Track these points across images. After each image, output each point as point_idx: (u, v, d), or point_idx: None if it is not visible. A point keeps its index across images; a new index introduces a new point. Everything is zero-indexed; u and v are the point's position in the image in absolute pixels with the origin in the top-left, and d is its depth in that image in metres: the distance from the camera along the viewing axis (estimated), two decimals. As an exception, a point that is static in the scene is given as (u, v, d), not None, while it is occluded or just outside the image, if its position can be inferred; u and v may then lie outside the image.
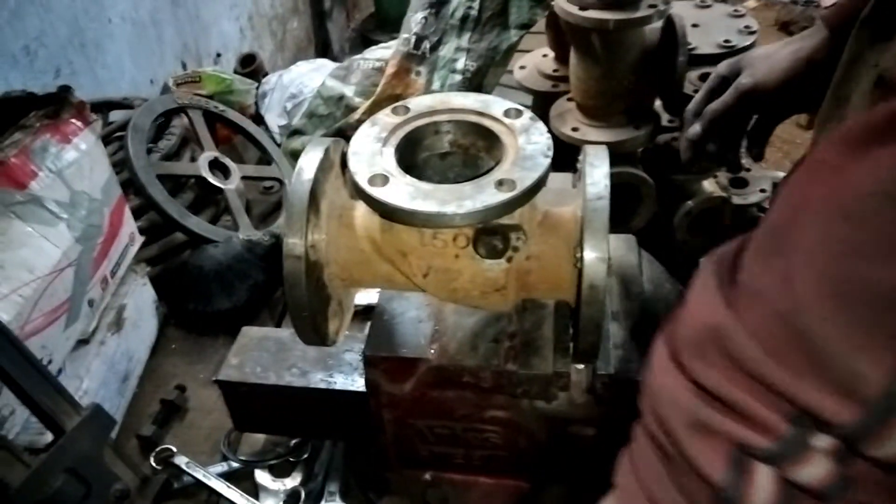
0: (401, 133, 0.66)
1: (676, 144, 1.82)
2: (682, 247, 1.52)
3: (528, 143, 0.63)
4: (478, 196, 0.58)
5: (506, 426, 0.78)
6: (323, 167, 0.65)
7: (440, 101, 0.69)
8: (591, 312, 0.60)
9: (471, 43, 1.92)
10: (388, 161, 0.63)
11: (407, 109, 0.68)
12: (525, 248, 0.64)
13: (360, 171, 0.61)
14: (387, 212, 0.60)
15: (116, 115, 1.47)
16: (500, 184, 0.59)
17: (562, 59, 1.87)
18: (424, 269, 0.65)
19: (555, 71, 1.90)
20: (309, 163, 0.65)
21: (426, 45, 1.90)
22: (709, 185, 1.54)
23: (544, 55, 1.97)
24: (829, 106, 0.76)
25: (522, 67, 1.95)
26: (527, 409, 0.76)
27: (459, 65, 1.90)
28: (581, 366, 0.70)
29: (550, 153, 0.62)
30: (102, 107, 1.40)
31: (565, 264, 0.65)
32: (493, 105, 0.67)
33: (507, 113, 0.66)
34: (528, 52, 1.98)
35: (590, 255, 0.58)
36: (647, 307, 0.75)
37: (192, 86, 1.92)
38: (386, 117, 0.67)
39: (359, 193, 0.61)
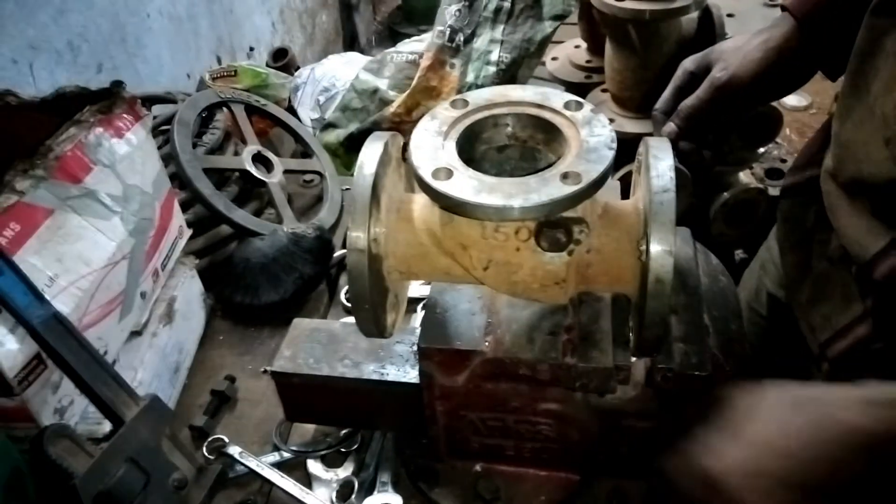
0: (460, 126, 0.67)
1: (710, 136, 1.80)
2: (718, 238, 1.51)
3: (591, 135, 0.62)
4: (543, 189, 0.58)
5: (559, 419, 0.78)
6: (383, 161, 0.66)
7: (499, 93, 0.69)
8: (657, 306, 0.59)
9: (505, 35, 1.91)
10: (449, 154, 0.63)
11: (466, 103, 0.68)
12: (587, 241, 0.64)
13: (424, 164, 0.62)
14: (452, 205, 0.60)
15: (157, 110, 1.49)
16: (565, 177, 0.59)
17: (595, 50, 1.86)
18: (485, 262, 0.66)
19: (588, 62, 1.88)
20: (370, 157, 0.65)
21: (460, 37, 1.90)
22: (745, 177, 1.52)
23: (576, 46, 1.96)
24: (850, 94, 0.74)
25: (555, 59, 1.94)
26: (580, 402, 0.76)
27: (493, 56, 1.89)
28: (638, 359, 0.70)
29: (614, 145, 0.61)
30: (146, 101, 1.42)
31: (627, 257, 0.65)
32: (553, 97, 0.67)
33: (567, 105, 0.66)
34: (560, 42, 1.96)
35: (656, 248, 0.58)
36: (704, 300, 0.74)
37: (227, 80, 1.94)
38: (445, 111, 0.68)
39: (423, 187, 0.61)
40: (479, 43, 1.93)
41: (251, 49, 2.38)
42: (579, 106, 0.65)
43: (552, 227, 0.62)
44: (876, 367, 0.75)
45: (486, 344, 0.74)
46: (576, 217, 0.62)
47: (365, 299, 0.65)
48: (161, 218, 1.05)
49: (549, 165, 0.64)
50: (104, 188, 0.95)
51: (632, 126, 1.66)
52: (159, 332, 1.04)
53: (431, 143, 0.64)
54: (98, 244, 0.93)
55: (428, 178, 0.60)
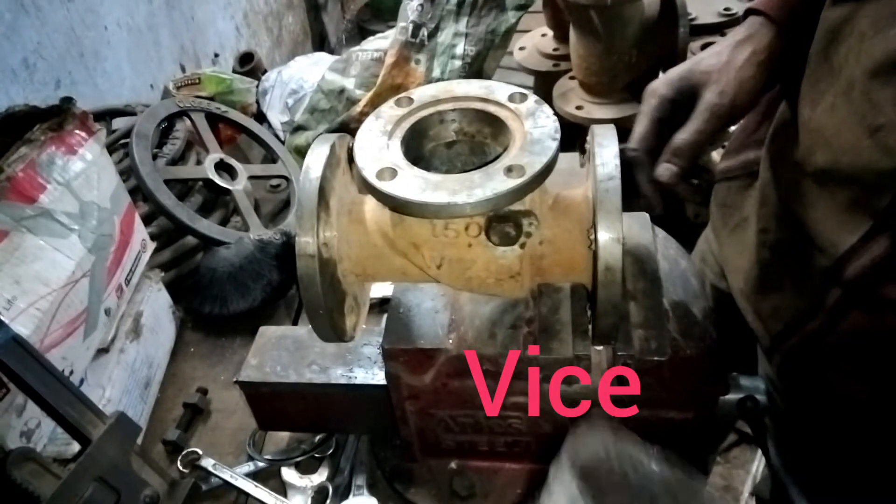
0: (406, 125, 0.66)
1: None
2: (694, 220, 1.51)
3: (535, 126, 0.62)
4: (487, 184, 0.57)
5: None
6: (330, 163, 0.65)
7: (443, 89, 0.68)
8: (608, 294, 0.59)
9: (469, 27, 1.90)
10: (395, 154, 0.63)
11: (410, 101, 0.68)
12: (538, 233, 0.64)
13: (368, 165, 0.61)
14: (397, 205, 0.59)
15: (119, 123, 1.47)
16: (509, 170, 0.58)
17: (561, 37, 1.86)
18: (438, 260, 0.65)
19: (555, 50, 1.88)
20: (315, 160, 0.64)
21: (424, 32, 1.88)
22: (717, 156, 1.53)
23: (543, 35, 1.95)
24: (818, 79, 0.71)
25: (522, 48, 1.94)
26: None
27: (459, 50, 1.88)
28: (601, 347, 0.70)
29: (558, 136, 0.61)
30: (105, 115, 1.40)
31: (579, 247, 0.64)
32: (497, 90, 0.67)
33: (511, 98, 0.66)
34: (527, 32, 1.96)
35: (604, 236, 0.58)
36: (664, 285, 0.74)
37: (192, 88, 1.92)
38: (390, 110, 0.67)
39: (368, 188, 0.61)
40: (444, 37, 1.91)
41: (216, 55, 2.35)
42: (523, 98, 0.65)
43: (501, 221, 0.61)
44: (827, 362, 0.72)
45: (450, 341, 0.74)
46: (524, 210, 0.62)
47: (319, 305, 0.64)
48: (121, 233, 1.04)
49: (498, 158, 0.64)
50: (60, 206, 0.94)
51: (600, 112, 1.66)
52: (127, 347, 1.02)
53: (376, 143, 0.63)
54: (56, 263, 0.92)
55: (372, 179, 0.60)
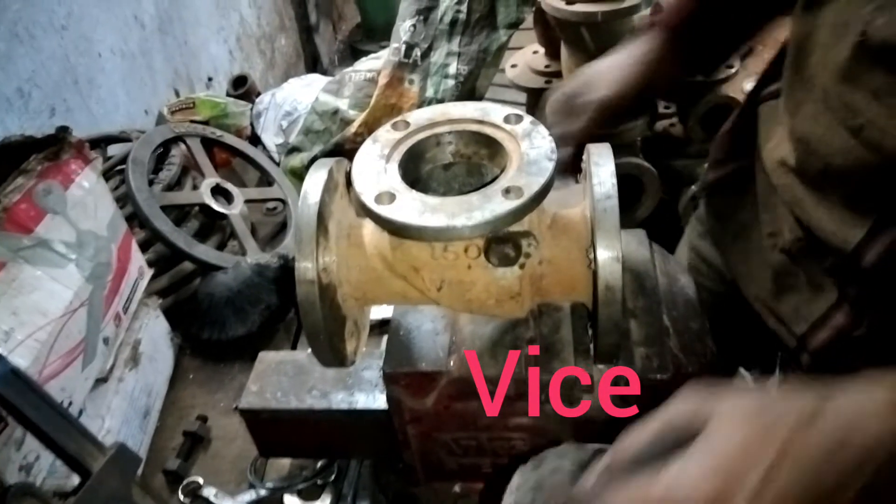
0: (402, 148, 0.66)
1: (675, 131, 1.81)
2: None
3: (531, 147, 0.62)
4: (486, 206, 0.57)
5: (531, 432, 0.77)
6: (328, 188, 0.65)
7: (439, 112, 0.68)
8: (610, 313, 0.59)
9: (461, 46, 1.92)
10: (392, 177, 0.63)
11: (407, 124, 0.68)
12: (537, 253, 0.64)
13: (366, 189, 0.61)
14: (396, 229, 0.59)
15: (115, 150, 1.48)
16: (507, 192, 0.58)
17: (552, 54, 1.87)
18: (438, 283, 0.65)
19: (546, 67, 1.89)
20: (314, 185, 0.64)
21: (417, 52, 1.90)
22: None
23: (535, 52, 1.97)
24: (795, 88, 0.75)
25: (514, 66, 1.95)
26: (551, 414, 0.75)
27: (452, 69, 1.90)
28: (602, 366, 0.70)
29: (554, 156, 0.61)
30: (100, 142, 1.41)
31: (578, 266, 0.64)
32: (493, 112, 0.67)
33: (507, 119, 0.66)
34: (518, 49, 1.97)
35: (603, 255, 0.58)
36: (663, 301, 0.74)
37: (186, 112, 1.93)
38: (386, 133, 0.67)
39: (367, 213, 0.61)
40: (437, 57, 1.93)
41: (210, 79, 2.37)
42: (519, 119, 0.65)
43: (500, 242, 0.61)
44: (857, 355, 0.73)
45: (451, 363, 0.73)
46: (523, 231, 0.62)
47: (319, 330, 0.64)
48: (119, 260, 1.04)
49: (495, 179, 0.64)
50: (57, 236, 0.94)
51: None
52: (126, 376, 1.02)
53: (374, 167, 0.63)
54: (54, 293, 0.92)
55: (371, 203, 0.60)
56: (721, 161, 0.96)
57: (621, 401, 0.71)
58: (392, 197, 0.60)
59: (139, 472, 0.96)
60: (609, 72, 0.88)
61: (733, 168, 0.92)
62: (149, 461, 1.01)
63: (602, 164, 0.62)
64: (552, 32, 1.80)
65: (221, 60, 2.47)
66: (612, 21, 1.49)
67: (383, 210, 0.59)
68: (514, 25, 1.91)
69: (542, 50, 1.96)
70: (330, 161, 0.68)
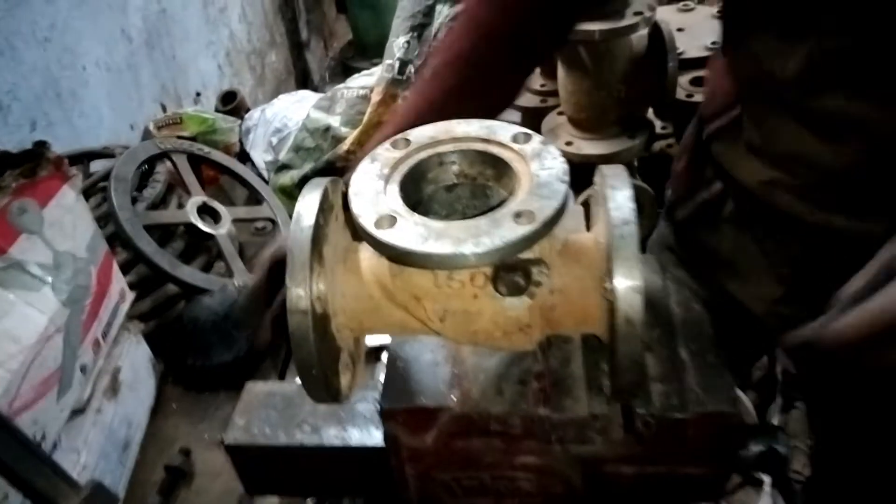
0: (403, 168, 0.62)
1: (672, 151, 1.79)
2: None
3: (542, 168, 0.58)
4: (495, 232, 0.53)
5: (538, 472, 0.72)
6: (323, 209, 0.60)
7: (442, 129, 0.64)
8: (629, 349, 0.55)
9: (455, 63, 1.89)
10: (393, 200, 0.58)
11: (408, 142, 0.63)
12: (548, 282, 0.59)
13: (365, 213, 0.57)
14: (397, 255, 0.55)
15: (97, 166, 1.42)
16: (517, 216, 0.54)
17: (548, 73, 1.85)
18: (441, 313, 0.60)
19: (542, 86, 1.87)
20: (308, 206, 0.60)
21: (411, 69, 1.86)
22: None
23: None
24: (752, 105, 0.81)
25: (510, 84, 1.91)
26: (559, 453, 0.71)
27: (446, 86, 1.86)
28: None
29: (567, 178, 0.57)
30: (82, 158, 1.35)
31: (592, 295, 0.60)
32: (500, 130, 0.63)
33: (515, 138, 0.62)
34: (514, 67, 1.94)
35: (622, 285, 0.53)
36: (679, 332, 0.70)
37: (173, 128, 1.88)
38: (386, 152, 0.63)
39: (365, 237, 0.56)
40: (430, 73, 1.90)
41: (198, 94, 2.32)
42: (528, 138, 0.61)
43: (509, 270, 0.57)
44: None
45: (453, 398, 0.68)
46: (534, 259, 0.57)
47: (312, 364, 0.59)
48: (98, 283, 0.98)
49: (503, 202, 0.59)
50: (32, 257, 0.88)
51: (590, 147, 1.64)
52: (104, 407, 0.96)
53: (373, 188, 0.59)
54: (28, 318, 0.86)
55: (370, 228, 0.55)
56: (684, 198, 0.99)
57: (637, 440, 0.67)
58: (393, 220, 0.55)
59: (116, 509, 0.90)
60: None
61: (701, 202, 0.94)
62: (128, 498, 0.95)
63: (619, 188, 0.57)
64: (549, 50, 1.77)
65: (210, 76, 2.43)
66: (611, 40, 1.47)
67: (384, 235, 0.54)
68: (510, 43, 1.88)
69: (537, 69, 1.94)
70: (324, 181, 0.63)
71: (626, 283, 0.53)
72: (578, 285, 0.60)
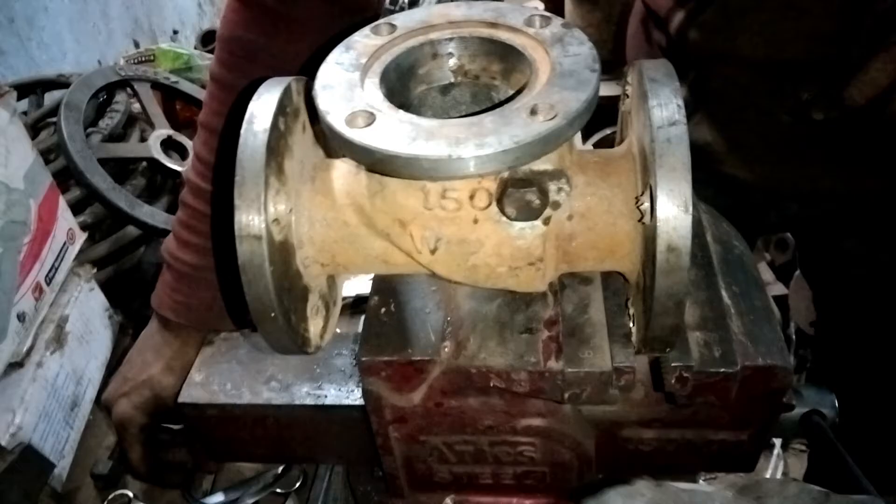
0: (386, 58, 0.49)
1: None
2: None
3: (565, 55, 0.45)
4: (504, 130, 0.41)
5: (544, 436, 0.62)
6: (283, 111, 0.48)
7: (437, 13, 0.51)
8: (670, 284, 0.43)
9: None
10: (371, 94, 0.46)
11: (392, 27, 0.50)
12: (567, 204, 0.47)
13: (335, 108, 0.44)
14: (375, 162, 0.42)
15: (54, 97, 1.29)
16: (534, 111, 0.41)
17: (553, 10, 1.71)
18: (432, 243, 0.48)
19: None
20: (263, 107, 0.47)
21: (405, 1, 1.72)
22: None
23: (535, 8, 1.81)
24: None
25: (512, 20, 1.78)
26: (570, 414, 0.60)
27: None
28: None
29: (598, 66, 0.44)
30: (35, 87, 1.21)
31: (622, 222, 0.48)
32: (510, 14, 0.50)
33: (529, 22, 0.49)
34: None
35: (666, 204, 0.42)
36: (719, 273, 0.58)
37: (146, 66, 1.73)
38: (365, 38, 0.50)
39: (335, 140, 0.44)
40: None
41: (175, 32, 2.16)
42: (546, 21, 0.48)
43: (520, 185, 0.45)
44: None
45: (445, 350, 0.57)
46: (553, 170, 0.45)
47: (269, 306, 0.47)
48: (40, 220, 0.86)
49: (513, 97, 0.47)
50: (-45, 186, 0.76)
51: (603, 89, 1.52)
52: (46, 360, 0.84)
53: (345, 80, 0.46)
54: (-50, 257, 0.74)
55: (340, 126, 0.43)
56: None
57: (668, 399, 0.56)
58: (370, 117, 0.43)
59: (63, 477, 0.79)
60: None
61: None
62: (76, 462, 0.84)
63: (662, 82, 0.45)
64: (554, -18, 1.65)
65: (189, 13, 2.26)
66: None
67: (358, 135, 0.42)
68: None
69: (541, 6, 1.82)
70: (287, 79, 0.50)
71: (672, 201, 0.42)
72: (605, 208, 0.48)
